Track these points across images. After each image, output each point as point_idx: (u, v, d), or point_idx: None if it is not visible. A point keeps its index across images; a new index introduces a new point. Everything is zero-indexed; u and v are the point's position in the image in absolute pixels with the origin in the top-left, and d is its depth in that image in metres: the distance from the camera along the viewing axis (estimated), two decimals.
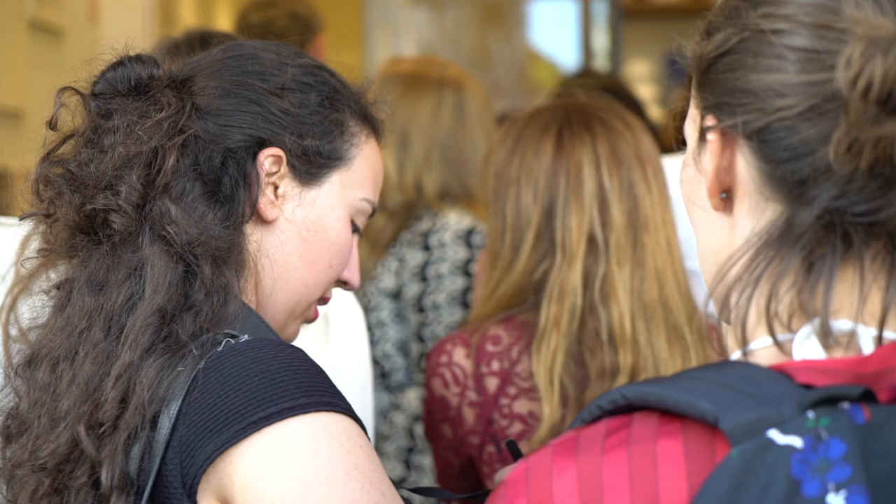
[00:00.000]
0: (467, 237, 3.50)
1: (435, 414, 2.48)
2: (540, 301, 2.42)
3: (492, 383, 2.43)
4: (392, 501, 1.59)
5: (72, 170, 1.73)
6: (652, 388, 1.21)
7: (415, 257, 3.53)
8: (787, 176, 1.22)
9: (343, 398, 1.63)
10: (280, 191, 1.79)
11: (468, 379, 2.44)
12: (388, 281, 3.56)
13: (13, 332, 2.22)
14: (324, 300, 1.87)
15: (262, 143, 1.77)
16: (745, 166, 1.26)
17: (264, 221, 1.78)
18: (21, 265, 2.25)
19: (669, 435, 1.19)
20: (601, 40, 9.71)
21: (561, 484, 1.20)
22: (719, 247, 1.30)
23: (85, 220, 1.71)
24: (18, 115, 4.97)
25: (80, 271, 1.72)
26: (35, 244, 2.26)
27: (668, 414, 1.20)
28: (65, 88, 1.79)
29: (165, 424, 1.59)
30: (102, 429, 1.62)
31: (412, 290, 3.53)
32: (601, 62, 9.46)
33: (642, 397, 1.21)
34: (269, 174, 1.77)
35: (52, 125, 1.78)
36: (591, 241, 2.41)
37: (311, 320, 1.89)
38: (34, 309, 1.83)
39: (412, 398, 3.54)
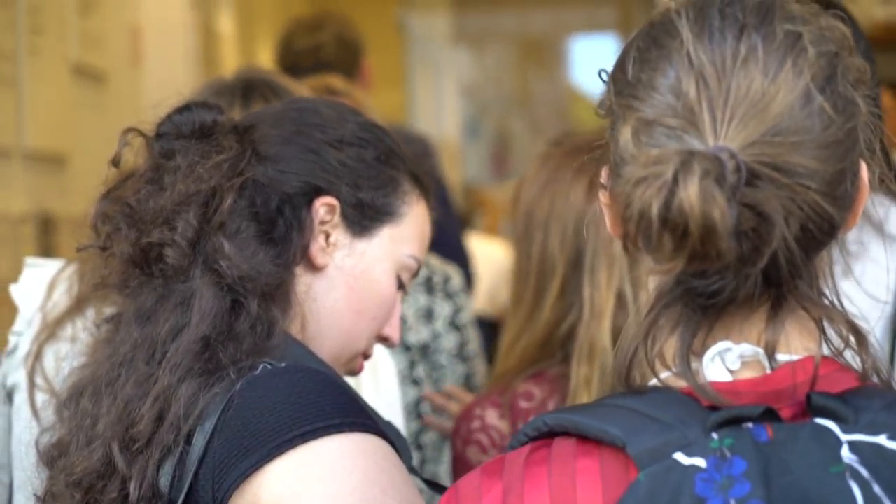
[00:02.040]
0: (427, 284, 3.44)
1: None
2: (569, 355, 2.37)
3: None
4: None
5: (131, 205, 1.77)
6: (570, 415, 1.28)
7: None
8: (648, 250, 1.27)
9: (377, 422, 1.66)
10: (332, 239, 1.82)
11: (505, 440, 2.38)
12: None
13: (38, 380, 2.23)
14: (367, 355, 1.91)
15: (318, 191, 1.81)
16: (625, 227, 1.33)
17: (314, 267, 1.81)
18: (47, 311, 2.26)
19: (587, 454, 1.26)
20: None
21: (488, 501, 1.28)
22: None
23: (140, 253, 1.74)
24: (62, 159, 5.00)
25: (130, 305, 1.75)
26: (62, 288, 2.28)
27: (586, 438, 1.27)
28: (129, 129, 1.83)
29: (200, 441, 1.61)
30: (136, 445, 1.64)
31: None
32: None
33: (561, 424, 1.28)
34: (323, 222, 1.81)
35: (115, 163, 1.82)
36: (620, 298, 2.36)
37: (355, 373, 1.92)
38: (79, 344, 1.84)
39: None
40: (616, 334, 2.30)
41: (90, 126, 5.17)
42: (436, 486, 1.87)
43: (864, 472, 1.19)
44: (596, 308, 2.32)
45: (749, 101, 1.23)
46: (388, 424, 1.76)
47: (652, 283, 1.33)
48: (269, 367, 1.66)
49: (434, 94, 11.44)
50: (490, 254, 6.10)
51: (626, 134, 1.27)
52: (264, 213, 1.78)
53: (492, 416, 2.38)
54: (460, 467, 2.40)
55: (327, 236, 1.82)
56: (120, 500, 1.65)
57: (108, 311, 1.82)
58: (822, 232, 1.25)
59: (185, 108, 1.83)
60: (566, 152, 2.45)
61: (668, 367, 1.29)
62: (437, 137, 8.96)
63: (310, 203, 1.81)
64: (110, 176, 1.83)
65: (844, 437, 1.20)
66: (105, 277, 1.80)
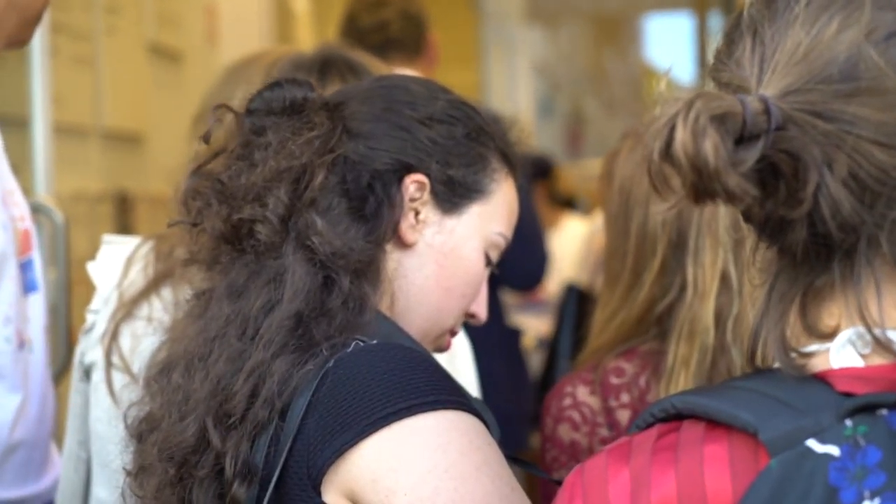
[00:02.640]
0: None
1: (565, 463, 2.41)
2: (666, 333, 2.35)
3: (624, 416, 2.35)
4: (521, 498, 1.61)
5: (222, 181, 1.78)
6: (699, 398, 1.26)
7: None
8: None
9: (471, 400, 1.67)
10: (421, 216, 1.83)
11: (597, 416, 2.38)
12: None
13: (115, 359, 2.24)
14: (454, 332, 1.91)
15: (409, 169, 1.82)
16: None
17: (404, 244, 1.82)
18: (123, 290, 2.28)
19: (715, 440, 1.23)
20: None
21: (615, 488, 1.25)
22: None
23: (231, 230, 1.75)
24: (139, 138, 5.03)
25: (220, 280, 1.76)
26: (138, 266, 2.29)
27: (715, 422, 1.24)
28: (219, 105, 1.84)
29: (294, 418, 1.62)
30: (230, 420, 1.66)
31: None
32: None
33: (690, 407, 1.26)
34: (413, 199, 1.82)
35: (206, 139, 1.83)
36: (725, 279, 2.34)
37: (443, 349, 1.93)
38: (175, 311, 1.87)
39: None
40: (719, 316, 2.29)
41: (166, 105, 5.20)
42: (520, 462, 1.87)
43: None
44: (700, 288, 2.30)
45: (794, 51, 1.23)
46: (479, 402, 1.76)
47: (759, 257, 1.31)
48: (362, 343, 1.66)
49: (507, 72, 11.41)
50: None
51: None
52: (355, 189, 1.78)
53: (583, 393, 2.37)
54: (551, 447, 2.39)
55: (417, 213, 1.82)
56: (214, 474, 1.67)
57: (196, 287, 1.83)
58: (878, 182, 1.22)
59: (275, 85, 1.84)
60: None
61: (792, 348, 1.25)
62: (511, 116, 8.92)
63: (400, 180, 1.81)
64: (200, 152, 1.84)
65: None
66: (195, 253, 1.81)
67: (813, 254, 1.25)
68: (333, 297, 1.71)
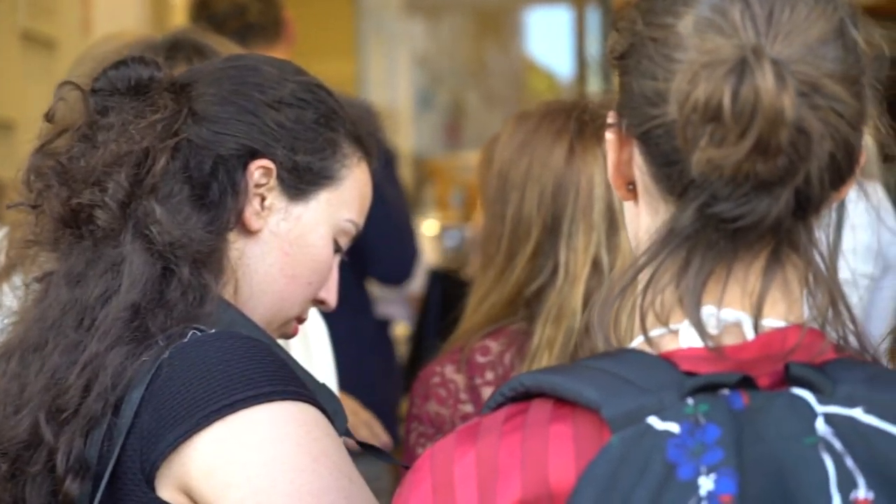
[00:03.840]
0: None
1: (432, 436, 2.41)
2: (533, 315, 2.36)
3: (488, 394, 2.36)
4: (360, 489, 1.60)
5: (62, 163, 1.74)
6: (547, 376, 1.27)
7: None
8: (669, 179, 1.27)
9: (308, 389, 1.65)
10: (267, 203, 1.79)
11: (461, 392, 2.38)
12: None
13: None
14: (301, 319, 1.89)
15: (254, 154, 1.78)
16: (638, 164, 1.31)
17: (248, 232, 1.78)
18: None
19: (561, 419, 1.24)
20: (595, 49, 9.68)
21: (461, 468, 1.26)
22: (633, 234, 1.36)
23: (70, 213, 1.71)
24: (11, 126, 4.95)
25: (60, 265, 1.73)
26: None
27: (563, 401, 1.25)
28: (65, 83, 1.80)
29: (128, 412, 1.60)
30: (64, 415, 1.63)
31: None
32: (595, 70, 9.43)
33: (538, 384, 1.27)
34: (258, 185, 1.78)
35: (49, 118, 1.79)
36: (596, 264, 2.35)
37: (289, 336, 1.90)
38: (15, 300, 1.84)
39: None
40: (587, 299, 2.31)
41: (39, 93, 5.09)
42: (372, 449, 1.87)
43: (838, 445, 1.17)
44: (571, 272, 2.32)
45: (791, 22, 1.24)
46: (322, 387, 1.75)
47: (653, 228, 1.30)
48: (198, 333, 1.64)
49: (386, 64, 11.38)
50: None
51: (686, 25, 1.25)
52: (198, 176, 1.74)
53: (450, 371, 2.38)
54: (417, 424, 2.40)
55: (262, 200, 1.79)
56: (46, 471, 1.63)
57: (39, 270, 1.79)
58: (846, 167, 1.25)
59: (121, 64, 1.79)
60: (543, 114, 2.42)
61: (662, 324, 1.26)
62: (388, 108, 8.91)
63: (245, 166, 1.77)
64: (44, 130, 1.79)
65: (820, 409, 1.19)
66: (37, 235, 1.77)
67: (750, 233, 1.24)
68: (172, 287, 1.67)
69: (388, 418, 4.43)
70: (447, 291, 5.14)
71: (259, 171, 1.77)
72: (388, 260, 4.21)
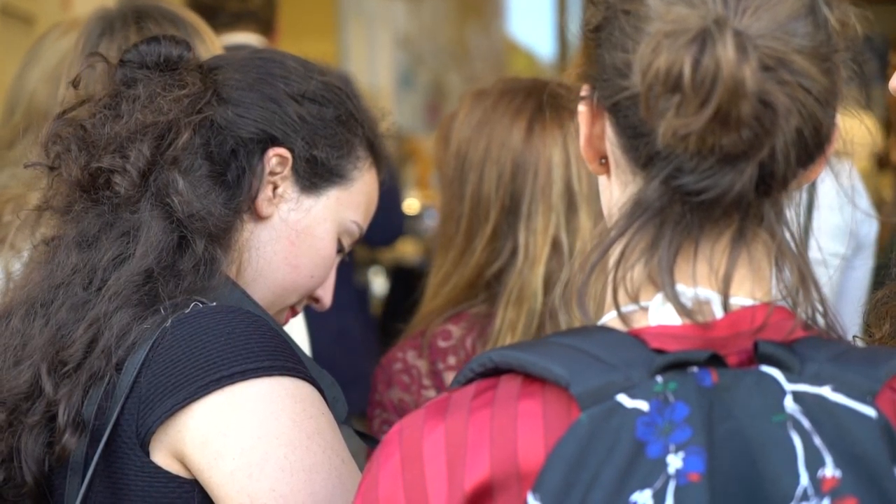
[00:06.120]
0: None
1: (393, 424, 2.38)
2: (494, 297, 2.35)
3: (450, 378, 2.35)
4: (351, 470, 1.63)
5: (85, 128, 1.77)
6: (515, 352, 1.27)
7: None
8: (636, 150, 1.26)
9: (307, 368, 1.67)
10: (279, 191, 1.84)
11: (423, 378, 2.37)
12: None
13: None
14: (295, 311, 1.92)
15: (273, 141, 1.83)
16: (609, 137, 1.31)
17: (259, 217, 1.83)
18: None
19: (530, 396, 1.25)
20: (577, 29, 9.67)
21: (430, 443, 1.26)
22: (606, 208, 1.36)
23: (88, 178, 1.74)
24: None
25: (70, 228, 1.75)
26: None
27: (531, 377, 1.25)
28: (93, 54, 1.86)
29: (129, 373, 1.62)
30: (65, 369, 1.66)
31: None
32: (576, 51, 9.42)
33: (507, 360, 1.27)
34: (273, 173, 1.82)
35: (75, 84, 1.83)
36: (556, 245, 2.33)
37: (279, 324, 1.91)
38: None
39: None
40: (548, 281, 2.29)
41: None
42: (367, 437, 1.88)
43: (806, 423, 1.18)
44: (531, 254, 2.31)
45: None
46: (323, 373, 1.76)
47: (623, 199, 1.29)
48: (201, 305, 1.66)
49: (367, 44, 11.37)
50: None
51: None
52: (218, 154, 1.79)
53: (412, 356, 2.38)
54: (381, 411, 2.39)
55: (275, 187, 1.83)
56: (44, 422, 1.66)
57: (44, 234, 1.82)
58: (813, 144, 1.25)
59: (153, 39, 1.83)
60: (501, 92, 2.40)
61: (632, 300, 1.26)
62: (369, 87, 8.89)
63: (263, 151, 1.82)
64: (68, 97, 1.83)
65: (789, 387, 1.19)
66: (49, 199, 1.79)
67: (715, 208, 1.24)
68: (186, 258, 1.70)
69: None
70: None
71: (276, 158, 1.82)
72: (378, 219, 4.22)
